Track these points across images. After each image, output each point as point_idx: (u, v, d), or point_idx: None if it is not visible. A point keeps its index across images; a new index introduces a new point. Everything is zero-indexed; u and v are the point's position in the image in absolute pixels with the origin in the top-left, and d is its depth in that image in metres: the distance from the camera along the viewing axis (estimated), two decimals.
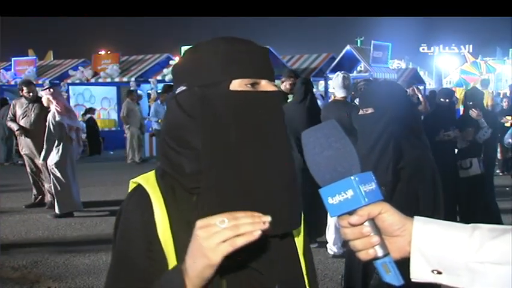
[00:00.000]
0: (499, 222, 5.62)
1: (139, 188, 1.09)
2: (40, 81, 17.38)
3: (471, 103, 6.22)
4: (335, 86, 5.64)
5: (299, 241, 1.17)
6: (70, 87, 18.40)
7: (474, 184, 5.90)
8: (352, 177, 0.91)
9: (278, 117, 1.08)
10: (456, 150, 6.10)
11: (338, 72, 5.76)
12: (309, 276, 1.17)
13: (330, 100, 7.60)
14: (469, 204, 5.95)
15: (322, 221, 5.38)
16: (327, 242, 5.46)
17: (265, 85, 1.08)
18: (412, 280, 0.96)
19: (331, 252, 5.40)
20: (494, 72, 24.44)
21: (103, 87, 18.94)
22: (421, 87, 11.73)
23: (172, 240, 1.03)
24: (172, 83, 1.17)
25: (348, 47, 17.65)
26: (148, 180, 1.09)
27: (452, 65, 27.92)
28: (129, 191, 1.13)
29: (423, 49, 31.57)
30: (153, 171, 1.13)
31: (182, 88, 1.09)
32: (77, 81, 18.08)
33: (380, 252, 0.93)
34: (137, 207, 1.07)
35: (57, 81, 17.92)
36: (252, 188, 1.01)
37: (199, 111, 1.05)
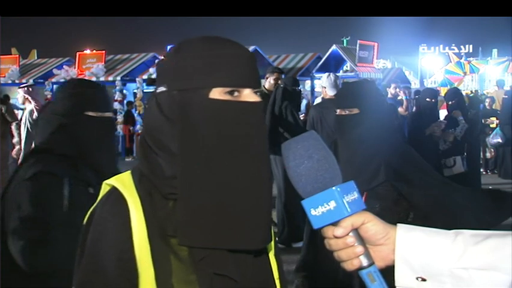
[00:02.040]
0: None
1: (115, 191, 1.03)
2: (24, 80, 17.18)
3: (453, 102, 6.29)
4: (326, 85, 5.85)
5: (270, 247, 1.13)
6: (55, 86, 18.21)
7: (457, 183, 5.94)
8: (334, 188, 0.91)
9: (258, 129, 1.04)
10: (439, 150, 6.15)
11: (327, 73, 6.05)
12: (281, 281, 1.14)
13: (320, 98, 7.59)
14: None
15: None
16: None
17: (248, 94, 1.03)
18: None
19: None
20: (478, 72, 24.72)
21: None
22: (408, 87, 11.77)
23: (149, 247, 0.99)
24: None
25: (334, 47, 17.71)
26: (124, 183, 1.04)
27: (437, 65, 28.13)
28: (102, 192, 1.08)
29: (423, 49, 31.80)
30: (128, 172, 1.09)
31: (163, 89, 1.05)
32: (62, 80, 17.90)
33: (364, 262, 0.93)
34: (112, 213, 1.01)
35: (42, 80, 17.72)
36: (227, 200, 0.99)
37: (178, 116, 1.01)
